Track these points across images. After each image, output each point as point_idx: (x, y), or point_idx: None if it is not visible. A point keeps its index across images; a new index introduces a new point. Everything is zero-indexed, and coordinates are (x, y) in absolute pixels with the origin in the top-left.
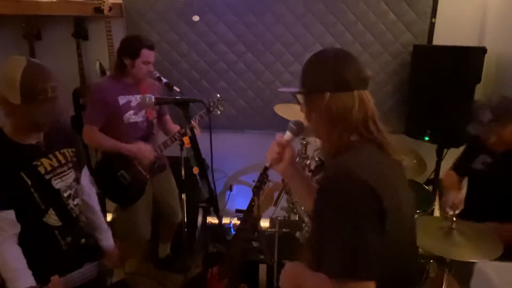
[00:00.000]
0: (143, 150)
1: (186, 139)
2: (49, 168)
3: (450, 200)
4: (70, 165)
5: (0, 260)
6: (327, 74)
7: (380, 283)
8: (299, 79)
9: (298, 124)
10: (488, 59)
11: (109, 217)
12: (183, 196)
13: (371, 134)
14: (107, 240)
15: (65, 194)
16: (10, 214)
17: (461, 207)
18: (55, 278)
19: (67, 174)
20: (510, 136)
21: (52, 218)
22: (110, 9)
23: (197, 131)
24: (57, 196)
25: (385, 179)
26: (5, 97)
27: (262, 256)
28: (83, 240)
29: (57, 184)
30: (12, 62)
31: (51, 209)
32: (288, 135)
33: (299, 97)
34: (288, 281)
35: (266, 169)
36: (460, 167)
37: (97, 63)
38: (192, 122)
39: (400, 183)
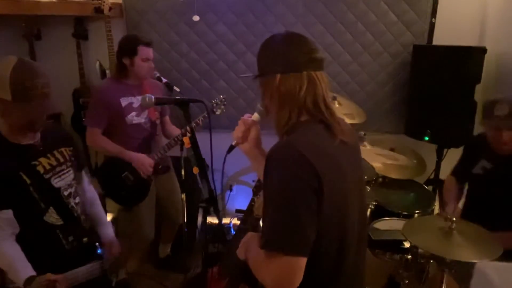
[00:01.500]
0: (143, 163)
1: (186, 139)
2: (48, 167)
3: (449, 212)
4: (69, 164)
5: (0, 256)
6: (277, 56)
7: (322, 261)
8: (256, 62)
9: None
10: (488, 59)
11: (109, 217)
12: (183, 196)
13: (320, 114)
14: (108, 232)
15: (65, 193)
16: (8, 213)
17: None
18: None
19: (67, 172)
20: None
21: (52, 217)
22: (110, 9)
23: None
24: (57, 195)
25: (328, 159)
26: None
27: None
28: (85, 239)
29: (57, 183)
30: (4, 61)
31: (51, 207)
32: (255, 115)
33: (258, 80)
34: (240, 249)
35: (231, 147)
36: (460, 172)
37: (97, 63)
38: (197, 122)
39: (346, 165)
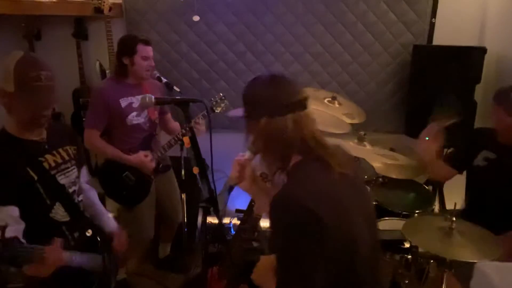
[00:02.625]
0: (143, 162)
1: (186, 139)
2: (53, 164)
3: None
4: (73, 162)
5: None
6: (261, 101)
7: None
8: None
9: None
10: (488, 59)
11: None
12: (183, 196)
13: (311, 151)
14: (111, 224)
15: (70, 190)
16: (15, 211)
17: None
18: (55, 243)
19: (71, 170)
20: None
21: (59, 214)
22: (110, 9)
23: (202, 127)
24: (63, 191)
25: (330, 201)
26: (2, 87)
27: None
28: (89, 231)
29: (61, 180)
30: (10, 55)
31: (57, 203)
32: (247, 154)
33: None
34: (257, 276)
35: (231, 187)
36: (458, 163)
37: (97, 63)
38: (196, 121)
39: (349, 198)
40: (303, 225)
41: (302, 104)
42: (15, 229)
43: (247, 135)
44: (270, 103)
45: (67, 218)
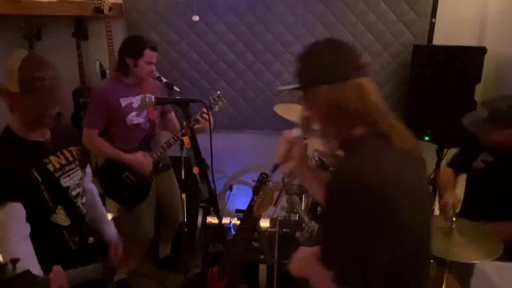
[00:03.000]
0: (142, 163)
1: (186, 139)
2: (57, 166)
3: (449, 201)
4: (77, 162)
5: (8, 253)
6: (320, 66)
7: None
8: (294, 74)
9: (306, 120)
10: (488, 59)
11: (109, 217)
12: (183, 196)
13: (376, 124)
14: (112, 232)
15: (73, 193)
16: (20, 209)
17: (459, 206)
18: (57, 268)
19: (75, 172)
20: (501, 139)
21: (60, 218)
22: (110, 9)
23: (206, 122)
24: (65, 194)
25: (396, 180)
26: (6, 88)
27: (262, 256)
28: (91, 238)
29: (65, 182)
30: (14, 54)
31: (59, 207)
32: (297, 131)
33: (298, 93)
34: (298, 268)
35: (276, 166)
36: (458, 165)
37: (97, 63)
38: (203, 115)
39: (411, 177)
40: (370, 206)
41: (364, 70)
42: (26, 253)
43: (305, 108)
44: (330, 68)
45: (68, 222)
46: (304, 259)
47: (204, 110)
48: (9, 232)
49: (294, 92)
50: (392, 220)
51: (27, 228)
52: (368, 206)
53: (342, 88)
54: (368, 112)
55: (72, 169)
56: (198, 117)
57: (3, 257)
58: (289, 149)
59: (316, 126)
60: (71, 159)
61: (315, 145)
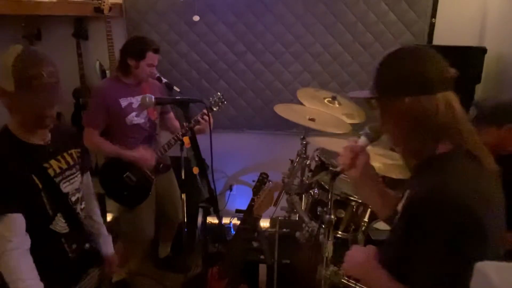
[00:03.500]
0: (145, 157)
1: (186, 139)
2: (58, 171)
3: None
4: (78, 166)
5: (9, 268)
6: (406, 76)
7: None
8: (373, 81)
9: (374, 129)
10: (488, 59)
11: (109, 217)
12: (183, 196)
13: (461, 140)
14: (108, 246)
15: (73, 199)
16: (21, 221)
17: None
18: None
19: (75, 176)
20: (487, 138)
21: (59, 225)
22: (110, 9)
23: (206, 123)
24: (65, 200)
25: (484, 197)
26: (1, 87)
27: (262, 256)
28: (87, 245)
29: (65, 187)
30: (8, 50)
31: (59, 214)
32: (363, 140)
33: (373, 102)
34: (355, 268)
35: (336, 174)
36: None
37: (97, 63)
38: (203, 117)
39: (495, 198)
40: (461, 225)
41: (451, 83)
42: (28, 270)
43: (381, 119)
44: (417, 79)
45: (66, 230)
46: (362, 261)
47: (205, 111)
48: (10, 246)
49: (368, 100)
50: (482, 242)
51: (28, 241)
52: (460, 225)
53: (428, 101)
54: (456, 130)
55: (73, 173)
56: (199, 118)
57: (4, 274)
58: (353, 157)
59: (389, 138)
60: (71, 163)
61: (315, 145)
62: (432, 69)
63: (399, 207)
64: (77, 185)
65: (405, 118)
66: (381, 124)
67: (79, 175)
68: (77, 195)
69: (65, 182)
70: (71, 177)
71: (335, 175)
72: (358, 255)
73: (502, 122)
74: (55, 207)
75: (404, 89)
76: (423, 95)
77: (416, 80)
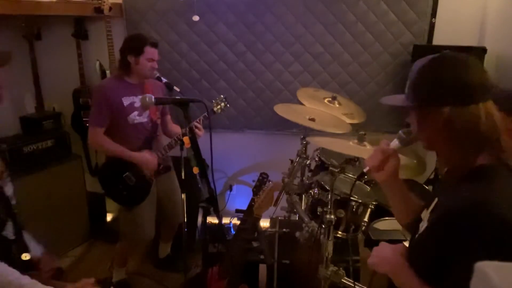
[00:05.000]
0: (148, 161)
1: (186, 139)
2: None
3: None
4: (8, 171)
5: None
6: (447, 85)
7: None
8: (409, 88)
9: (409, 133)
10: (488, 59)
11: (109, 217)
12: (183, 196)
13: (502, 153)
14: (36, 247)
15: (13, 202)
16: None
17: None
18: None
19: (9, 180)
20: None
21: (10, 231)
22: (110, 9)
23: (200, 132)
24: (9, 204)
25: None
26: None
27: (262, 256)
28: (26, 254)
29: (8, 191)
30: None
31: (9, 219)
32: (395, 143)
33: (410, 110)
34: (383, 264)
35: (363, 174)
36: None
37: (97, 63)
38: (196, 123)
39: None
40: (502, 240)
41: (491, 92)
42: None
43: (418, 127)
44: (461, 88)
45: (13, 236)
46: (391, 257)
47: (197, 124)
48: None
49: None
50: None
51: None
52: (501, 241)
53: (469, 112)
54: (495, 140)
55: (8, 175)
56: (194, 126)
57: None
58: (383, 160)
59: (425, 145)
60: (4, 167)
61: (315, 145)
62: (475, 78)
63: (424, 214)
64: (12, 191)
65: (445, 128)
66: (417, 132)
67: (10, 179)
68: (14, 201)
69: (6, 185)
70: (7, 180)
71: (360, 176)
72: (387, 250)
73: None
74: (4, 211)
75: (445, 99)
76: (465, 105)
77: (457, 90)
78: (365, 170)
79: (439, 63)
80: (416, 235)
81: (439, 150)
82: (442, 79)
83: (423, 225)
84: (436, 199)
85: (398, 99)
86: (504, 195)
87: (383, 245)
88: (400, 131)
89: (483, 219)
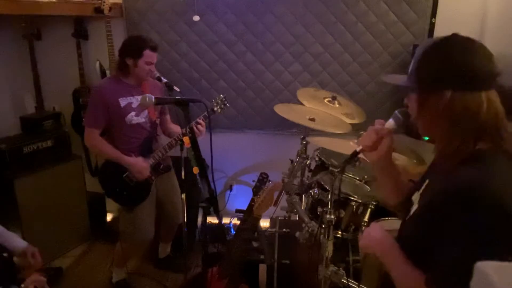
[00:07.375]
0: (141, 169)
1: (186, 139)
2: None
3: None
4: None
5: None
6: (453, 68)
7: None
8: (411, 69)
9: (405, 115)
10: None
11: (109, 217)
12: (183, 196)
13: (502, 140)
14: (19, 241)
15: None
16: None
17: None
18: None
19: None
20: None
21: None
22: (110, 9)
23: (202, 128)
24: None
25: None
26: None
27: (262, 256)
28: (5, 254)
29: None
30: None
31: None
32: (390, 123)
33: (409, 92)
34: (372, 245)
35: (356, 153)
36: None
37: (97, 63)
38: (198, 120)
39: None
40: (496, 224)
41: (496, 80)
42: None
43: (417, 109)
44: (467, 73)
45: None
46: (380, 237)
47: (199, 120)
48: None
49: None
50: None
51: None
52: (494, 224)
53: (472, 98)
54: (497, 129)
55: None
56: (194, 125)
57: None
58: (377, 140)
59: (421, 128)
60: None
61: (315, 145)
62: (482, 65)
63: (415, 197)
64: None
65: (445, 113)
66: (415, 115)
67: None
68: None
69: None
70: None
71: (353, 155)
72: (376, 231)
73: None
74: None
75: (449, 82)
76: (468, 91)
77: (463, 74)
78: (357, 150)
79: (448, 45)
80: (407, 218)
81: (435, 135)
82: (449, 62)
83: (414, 207)
84: (427, 181)
85: (399, 79)
86: (501, 179)
87: (373, 226)
88: (396, 111)
89: (478, 202)
